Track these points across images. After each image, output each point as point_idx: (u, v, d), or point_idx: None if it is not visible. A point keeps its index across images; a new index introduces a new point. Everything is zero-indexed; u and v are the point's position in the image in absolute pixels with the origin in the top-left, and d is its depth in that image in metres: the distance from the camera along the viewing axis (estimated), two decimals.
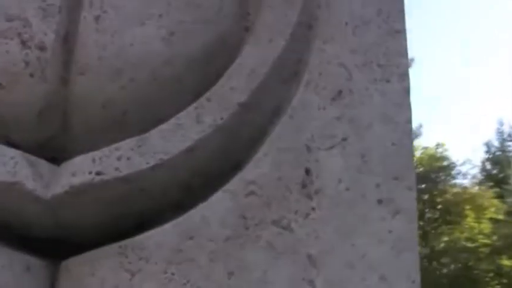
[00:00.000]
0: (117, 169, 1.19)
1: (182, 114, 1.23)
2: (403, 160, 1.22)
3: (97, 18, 1.28)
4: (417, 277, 1.14)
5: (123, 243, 1.17)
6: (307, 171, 1.20)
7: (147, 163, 1.20)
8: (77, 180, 1.19)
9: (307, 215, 1.17)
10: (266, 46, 1.28)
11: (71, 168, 1.21)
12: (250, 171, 1.20)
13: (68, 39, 1.29)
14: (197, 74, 1.28)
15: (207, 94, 1.25)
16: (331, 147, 1.21)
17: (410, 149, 1.22)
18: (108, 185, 1.19)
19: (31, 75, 1.25)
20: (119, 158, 1.20)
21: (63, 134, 1.29)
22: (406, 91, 1.26)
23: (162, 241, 1.16)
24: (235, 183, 1.20)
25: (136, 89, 1.26)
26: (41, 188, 1.19)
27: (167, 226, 1.17)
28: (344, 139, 1.22)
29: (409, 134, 1.23)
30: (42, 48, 1.26)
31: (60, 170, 1.22)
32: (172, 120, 1.23)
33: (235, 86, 1.25)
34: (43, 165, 1.22)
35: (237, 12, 1.34)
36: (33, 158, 1.22)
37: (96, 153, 1.21)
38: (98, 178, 1.18)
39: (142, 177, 1.20)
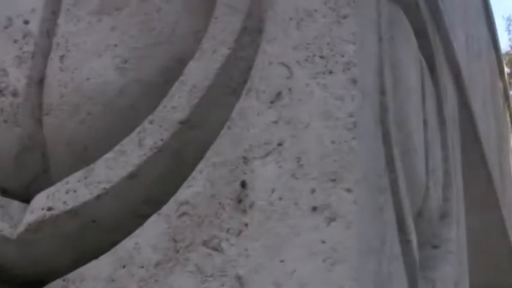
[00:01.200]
0: (65, 203, 1.20)
1: (126, 140, 1.21)
2: (343, 159, 1.06)
3: (61, 58, 1.32)
4: None
5: (67, 276, 1.16)
6: (243, 185, 1.10)
7: (91, 193, 1.19)
8: (32, 217, 1.22)
9: (240, 232, 1.07)
10: (209, 58, 1.21)
11: (31, 206, 1.24)
12: (183, 191, 1.14)
13: (42, 83, 1.34)
14: (153, 98, 1.25)
15: (150, 117, 1.22)
16: (266, 155, 1.10)
17: (353, 146, 1.06)
18: (58, 220, 1.21)
19: (5, 121, 1.32)
20: (67, 192, 1.21)
21: (45, 174, 1.33)
22: (352, 81, 1.11)
23: (99, 272, 1.13)
24: (169, 205, 1.14)
25: (93, 122, 1.27)
26: (8, 228, 1.24)
27: (104, 256, 1.14)
28: (280, 144, 1.10)
29: (352, 129, 1.07)
30: (15, 94, 1.33)
31: (26, 208, 1.26)
32: (117, 147, 1.21)
33: (176, 105, 1.20)
34: (13, 205, 1.27)
35: (193, 30, 1.29)
36: (5, 199, 1.28)
37: (51, 189, 1.23)
38: (48, 214, 1.20)
39: (89, 209, 1.20)
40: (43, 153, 1.33)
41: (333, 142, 1.07)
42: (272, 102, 1.14)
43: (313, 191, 1.05)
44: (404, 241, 1.34)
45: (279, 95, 1.13)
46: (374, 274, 1.01)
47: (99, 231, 1.19)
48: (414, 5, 1.61)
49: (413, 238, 1.36)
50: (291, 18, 1.18)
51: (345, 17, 1.16)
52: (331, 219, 1.02)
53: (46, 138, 1.31)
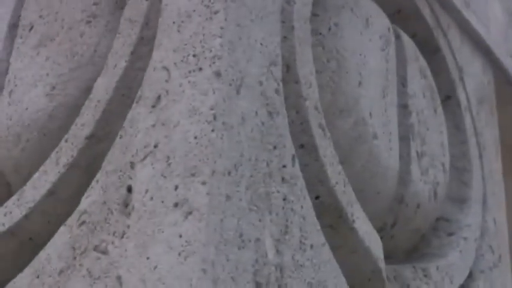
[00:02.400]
0: (3, 224, 1.31)
1: (48, 160, 1.30)
2: (202, 153, 1.07)
3: (10, 93, 1.45)
4: (198, 283, 0.98)
5: None
6: (129, 189, 1.14)
7: (21, 213, 1.29)
8: None
9: (123, 234, 1.11)
10: (111, 73, 1.27)
11: None
12: (83, 201, 1.20)
13: None
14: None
15: (66, 135, 1.29)
16: (145, 158, 1.13)
17: (211, 138, 1.07)
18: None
19: None
20: (5, 214, 1.31)
21: None
22: (216, 74, 1.11)
23: (20, 284, 1.22)
24: (72, 216, 1.20)
25: (31, 148, 1.38)
26: None
27: (26, 269, 1.23)
28: (155, 146, 1.13)
29: (212, 122, 1.08)
30: None
31: None
32: (41, 168, 1.30)
33: (84, 121, 1.27)
34: None
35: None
36: None
37: None
38: None
39: (22, 228, 1.29)
40: (7, 183, 1.46)
41: (195, 137, 1.08)
42: (153, 106, 1.17)
43: (176, 187, 1.06)
44: (348, 229, 1.30)
45: (158, 98, 1.16)
46: (225, 264, 1.01)
47: (37, 247, 1.28)
48: None
49: (362, 225, 1.31)
50: (174, 22, 1.21)
51: (216, 12, 1.17)
52: (188, 213, 1.03)
53: (2, 168, 1.43)
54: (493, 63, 2.09)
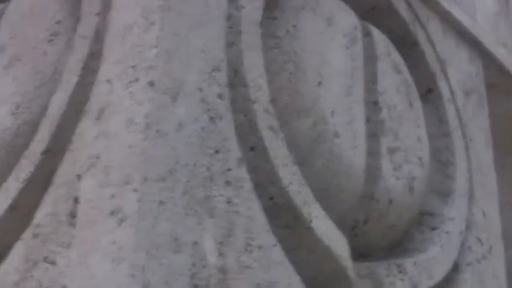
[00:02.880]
0: None
1: (10, 176, 1.35)
2: (135, 161, 1.10)
3: None
4: None
5: None
6: (76, 200, 1.18)
7: None
8: None
9: (70, 244, 1.15)
10: (64, 88, 1.31)
11: None
12: (37, 215, 1.24)
13: None
14: None
15: (25, 152, 1.34)
16: (88, 169, 1.17)
17: (146, 147, 1.09)
18: None
19: None
20: None
21: None
22: (150, 84, 1.14)
23: None
24: (28, 230, 1.24)
25: (1, 167, 1.42)
26: None
27: None
28: (97, 157, 1.16)
29: (144, 131, 1.11)
30: None
31: None
32: (3, 184, 1.35)
33: (40, 138, 1.31)
34: None
35: None
36: None
37: None
38: None
39: None
40: None
41: (129, 147, 1.11)
42: (97, 119, 1.20)
43: (112, 196, 1.10)
44: (304, 228, 1.31)
45: (102, 111, 1.20)
46: (157, 269, 1.03)
47: None
48: None
49: (320, 224, 1.32)
50: (118, 35, 1.25)
51: (153, 23, 1.19)
52: (122, 220, 1.06)
53: None
54: (482, 53, 2.06)
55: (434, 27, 1.92)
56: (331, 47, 1.53)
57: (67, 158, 1.23)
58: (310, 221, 1.30)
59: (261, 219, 1.23)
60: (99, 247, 1.07)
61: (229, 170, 1.21)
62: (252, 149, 1.27)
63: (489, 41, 2.07)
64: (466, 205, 1.76)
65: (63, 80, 1.33)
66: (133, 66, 1.18)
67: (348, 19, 1.62)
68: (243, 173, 1.23)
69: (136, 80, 1.16)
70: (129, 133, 1.12)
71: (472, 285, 1.69)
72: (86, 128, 1.22)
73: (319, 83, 1.44)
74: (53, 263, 1.15)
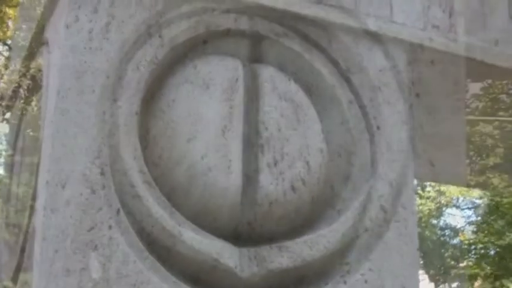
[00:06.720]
0: None
1: None
2: (37, 234, 1.97)
3: None
4: None
5: None
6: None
7: None
8: None
9: None
10: None
11: None
12: None
13: None
14: None
15: None
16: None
17: (43, 222, 1.96)
18: None
19: None
20: None
21: None
22: (47, 183, 2.00)
23: None
24: None
25: None
26: None
27: None
28: None
29: (43, 211, 1.97)
30: None
31: None
32: None
33: None
34: None
35: None
36: None
37: None
38: None
39: None
40: None
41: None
42: None
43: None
44: (178, 241, 2.05)
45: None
46: None
47: None
48: None
49: (190, 237, 2.05)
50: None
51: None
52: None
53: None
54: (401, 46, 2.49)
55: (340, 44, 2.42)
56: (209, 104, 2.20)
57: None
58: (181, 235, 2.04)
59: (137, 243, 2.00)
60: None
61: (110, 218, 2.01)
62: (133, 197, 2.05)
63: (415, 32, 2.48)
64: (365, 184, 2.29)
65: None
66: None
67: (227, 75, 2.26)
68: (121, 217, 2.01)
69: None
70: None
71: (369, 245, 2.23)
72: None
73: (189, 140, 2.13)
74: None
